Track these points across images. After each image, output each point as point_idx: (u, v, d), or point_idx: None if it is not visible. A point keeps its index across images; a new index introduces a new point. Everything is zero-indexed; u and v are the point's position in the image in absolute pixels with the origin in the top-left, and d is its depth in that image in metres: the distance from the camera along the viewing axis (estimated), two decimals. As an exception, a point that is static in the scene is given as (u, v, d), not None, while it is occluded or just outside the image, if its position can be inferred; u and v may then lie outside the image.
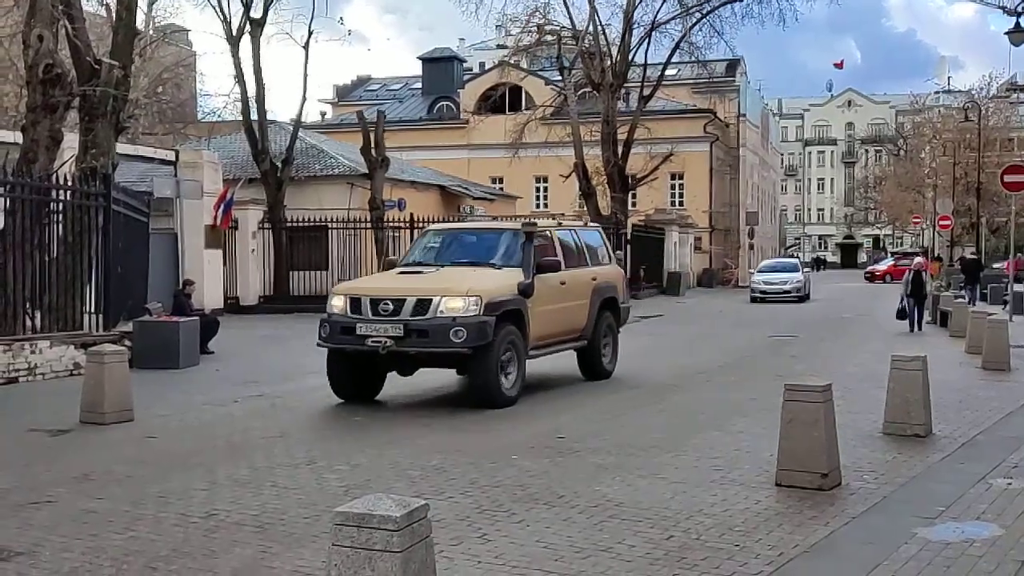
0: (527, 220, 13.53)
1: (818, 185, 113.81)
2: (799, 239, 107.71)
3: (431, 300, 10.83)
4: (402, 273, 12.06)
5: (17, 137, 15.98)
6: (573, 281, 12.77)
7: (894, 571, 5.51)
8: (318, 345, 11.56)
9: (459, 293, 10.87)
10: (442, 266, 12.03)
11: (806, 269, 41.03)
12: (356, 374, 11.60)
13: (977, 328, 16.56)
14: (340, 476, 7.81)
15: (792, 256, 61.30)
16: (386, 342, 10.77)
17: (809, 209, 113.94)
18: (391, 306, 10.90)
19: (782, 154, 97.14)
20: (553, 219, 13.71)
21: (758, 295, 36.00)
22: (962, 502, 7.01)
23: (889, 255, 78.18)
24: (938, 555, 5.78)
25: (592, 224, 14.96)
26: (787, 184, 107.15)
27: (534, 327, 11.68)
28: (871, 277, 59.84)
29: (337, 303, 11.37)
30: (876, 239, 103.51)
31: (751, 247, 59.54)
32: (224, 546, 5.97)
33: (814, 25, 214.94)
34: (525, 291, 11.48)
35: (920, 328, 21.94)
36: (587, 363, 13.56)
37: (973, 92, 58.59)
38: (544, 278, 11.94)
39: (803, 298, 35.77)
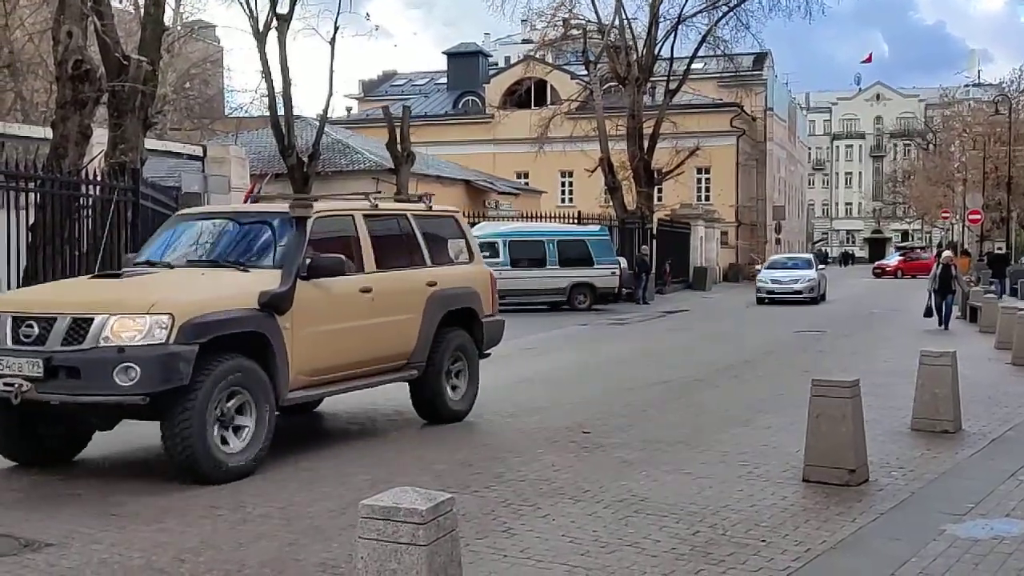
0: (298, 199, 9.48)
1: (846, 179, 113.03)
2: (827, 234, 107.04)
3: (91, 320, 7.18)
4: (99, 277, 8.94)
5: (47, 133, 16.12)
6: (389, 288, 9.17)
7: (922, 568, 5.47)
8: None
9: (136, 309, 7.28)
10: (173, 266, 8.69)
11: (821, 267, 35.77)
12: (21, 429, 7.89)
13: (1007, 324, 16.40)
14: (366, 469, 7.84)
15: (820, 250, 60.63)
16: (21, 385, 7.10)
17: (837, 204, 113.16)
18: (35, 329, 7.29)
19: (809, 148, 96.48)
20: (366, 199, 9.81)
21: (764, 296, 31.54)
22: (991, 499, 6.95)
23: (895, 250, 76.90)
24: (967, 552, 5.73)
25: (444, 209, 11.06)
26: (815, 178, 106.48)
27: (300, 357, 8.09)
28: (880, 273, 58.36)
29: None
30: (905, 234, 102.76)
31: (778, 242, 59.21)
32: (251, 538, 6.01)
33: (841, 18, 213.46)
34: (274, 303, 7.84)
35: (947, 327, 21.50)
36: (422, 400, 9.87)
37: (1003, 85, 57.95)
38: (327, 284, 8.43)
39: (816, 299, 31.66)
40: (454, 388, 10.07)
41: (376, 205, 9.72)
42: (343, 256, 8.61)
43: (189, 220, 9.64)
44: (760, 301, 31.32)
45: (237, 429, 7.64)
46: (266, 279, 8.03)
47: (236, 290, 7.92)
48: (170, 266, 8.69)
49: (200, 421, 7.23)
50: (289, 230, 8.52)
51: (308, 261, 8.30)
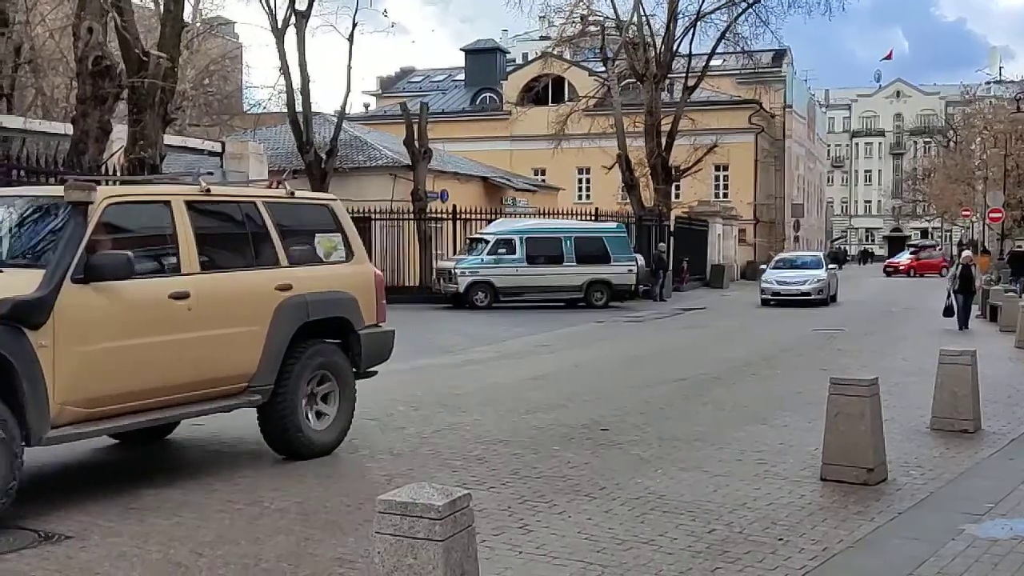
0: (77, 178, 7.76)
1: (865, 177, 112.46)
2: (846, 232, 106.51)
3: None
4: None
5: (67, 128, 16.23)
6: (217, 293, 7.35)
7: (941, 567, 5.44)
8: None
9: None
10: None
11: (832, 266, 33.01)
12: None
13: (1028, 323, 16.30)
14: (382, 465, 7.87)
15: (840, 248, 60.06)
16: None
17: (856, 201, 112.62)
18: None
19: (829, 145, 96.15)
20: (198, 182, 7.87)
21: (769, 297, 29.08)
22: (1011, 498, 6.91)
23: (906, 247, 76.04)
24: (986, 552, 5.70)
25: (314, 197, 9.28)
26: (834, 176, 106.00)
27: (68, 383, 6.29)
28: (892, 271, 57.60)
29: None
30: (924, 232, 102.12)
31: (796, 239, 59.02)
32: (268, 533, 6.04)
33: (861, 15, 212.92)
34: (20, 314, 6.06)
35: (967, 327, 21.27)
36: (270, 430, 7.95)
37: (1026, 83, 57.46)
38: (115, 290, 6.60)
39: (825, 301, 29.25)
40: (319, 415, 8.20)
41: (208, 190, 7.74)
42: (130, 253, 6.69)
43: None
44: (765, 303, 29.09)
45: None
46: (20, 282, 6.17)
47: None
48: None
49: None
50: (66, 219, 6.64)
51: (86, 260, 6.46)
